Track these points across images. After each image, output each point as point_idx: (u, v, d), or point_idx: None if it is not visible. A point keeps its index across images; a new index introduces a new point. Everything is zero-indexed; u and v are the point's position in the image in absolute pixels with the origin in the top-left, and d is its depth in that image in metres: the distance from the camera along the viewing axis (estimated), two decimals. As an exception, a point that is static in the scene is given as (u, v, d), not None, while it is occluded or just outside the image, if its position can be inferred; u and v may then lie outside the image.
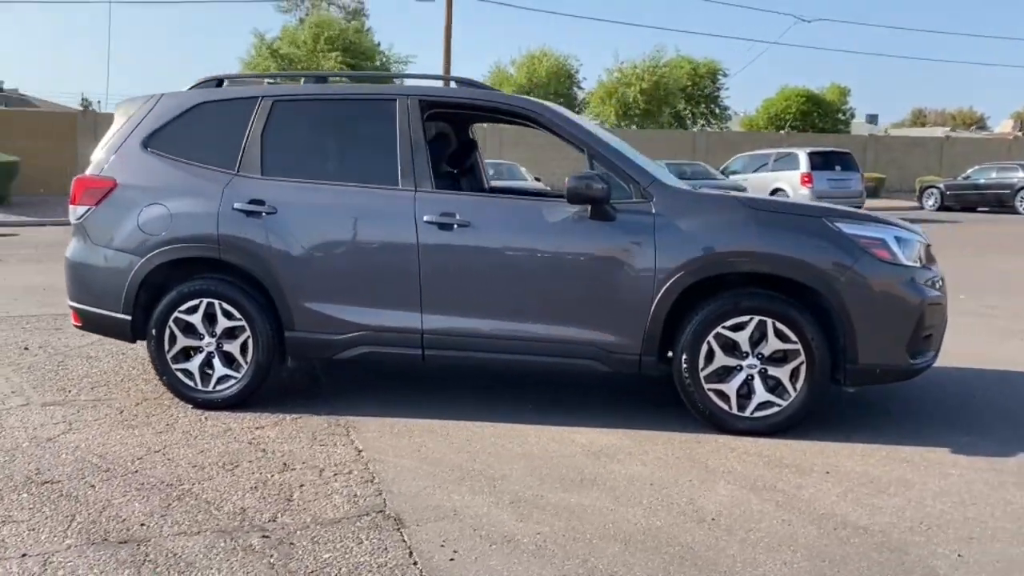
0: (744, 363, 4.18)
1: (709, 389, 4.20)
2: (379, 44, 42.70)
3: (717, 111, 44.26)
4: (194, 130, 4.68)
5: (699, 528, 3.15)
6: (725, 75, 43.23)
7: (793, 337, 4.12)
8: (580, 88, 41.81)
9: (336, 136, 4.67)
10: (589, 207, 4.21)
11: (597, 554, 2.93)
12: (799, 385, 4.15)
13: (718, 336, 4.16)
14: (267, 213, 4.44)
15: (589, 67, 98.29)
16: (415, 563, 2.84)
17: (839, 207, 4.64)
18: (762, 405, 4.20)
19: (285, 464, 3.75)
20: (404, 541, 2.99)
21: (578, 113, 41.39)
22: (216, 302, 4.48)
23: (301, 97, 4.69)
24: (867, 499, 3.44)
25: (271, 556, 2.87)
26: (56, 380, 5.09)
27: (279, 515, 3.21)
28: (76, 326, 4.83)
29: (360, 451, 3.94)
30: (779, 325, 4.12)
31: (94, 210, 4.64)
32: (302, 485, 3.50)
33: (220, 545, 2.95)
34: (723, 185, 18.30)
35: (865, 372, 4.17)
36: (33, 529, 3.06)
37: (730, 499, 3.43)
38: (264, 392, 4.64)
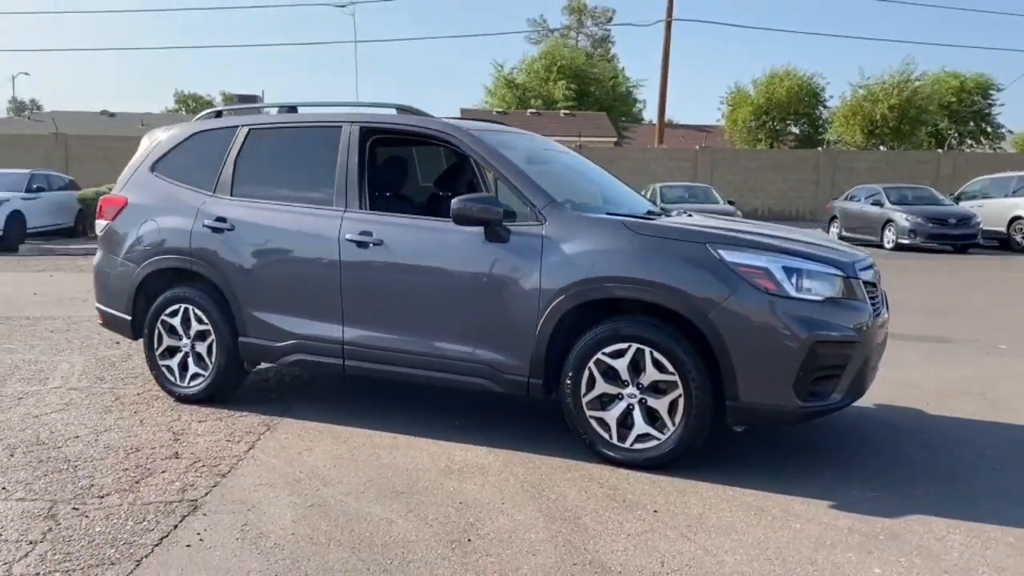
0: (625, 392, 4.04)
1: (591, 416, 4.10)
2: (623, 69, 43.60)
3: (988, 130, 40.15)
4: (188, 156, 5.32)
5: (446, 547, 3.16)
6: (998, 90, 39.13)
7: (671, 368, 3.92)
8: (825, 107, 39.70)
9: (291, 160, 5.08)
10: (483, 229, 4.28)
11: (318, 556, 3.06)
12: (677, 419, 3.94)
13: (599, 362, 4.05)
14: (227, 230, 4.95)
15: (835, 85, 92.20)
16: (156, 542, 3.14)
17: (742, 230, 4.31)
18: (641, 437, 4.03)
19: (176, 454, 4.20)
20: (173, 525, 3.30)
21: (820, 133, 40.07)
22: (191, 308, 5.07)
23: (268, 126, 5.17)
24: (664, 543, 3.23)
25: (58, 523, 3.31)
26: (107, 370, 5.96)
27: (112, 493, 3.64)
28: (100, 324, 5.65)
29: (250, 449, 4.30)
30: (656, 355, 3.94)
31: (111, 224, 5.41)
32: (163, 472, 3.93)
33: (38, 510, 3.43)
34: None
35: (748, 411, 3.87)
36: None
37: (513, 524, 3.38)
38: (245, 390, 5.28)
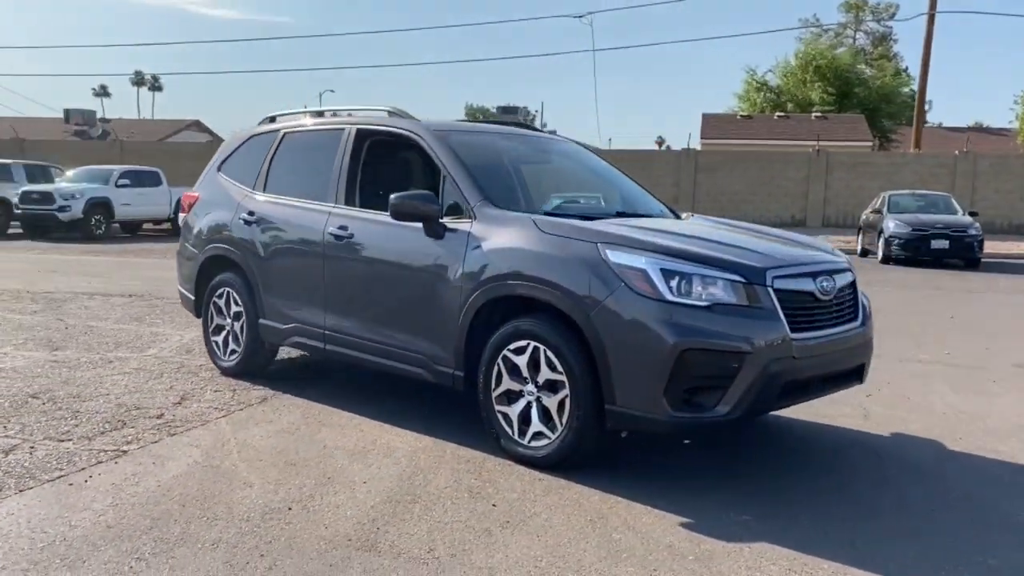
0: (525, 389, 4.06)
1: (498, 411, 4.16)
2: (906, 68, 40.82)
3: None
4: (244, 157, 5.99)
5: (261, 513, 3.44)
6: None
7: (560, 367, 3.88)
8: None
9: (306, 160, 5.55)
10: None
11: (156, 505, 3.47)
12: (564, 419, 3.89)
13: (505, 359, 4.10)
14: (254, 223, 5.55)
15: None
16: (51, 479, 3.74)
17: (636, 229, 4.14)
18: (537, 435, 4.03)
19: (160, 415, 4.83)
20: (80, 469, 3.90)
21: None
22: (231, 291, 5.74)
23: (297, 129, 5.69)
24: (470, 535, 3.27)
25: (6, 455, 4.01)
26: (201, 345, 6.84)
27: (70, 440, 4.32)
28: (181, 303, 6.51)
29: (224, 416, 4.86)
30: (549, 354, 3.92)
31: (186, 216, 6.24)
32: (131, 427, 4.57)
33: (4, 444, 4.17)
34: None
35: (623, 416, 3.74)
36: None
37: (345, 499, 3.58)
38: (286, 367, 6.06)
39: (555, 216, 4.39)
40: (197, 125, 52.04)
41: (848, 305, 4.21)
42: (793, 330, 3.77)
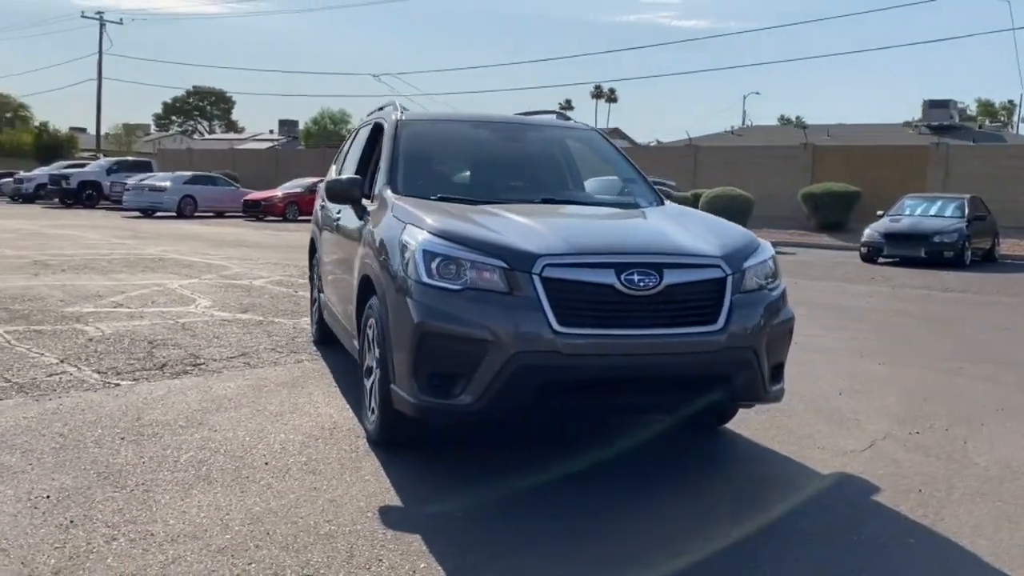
0: (373, 365, 4.31)
1: (364, 384, 4.45)
2: None
3: None
4: (350, 146, 6.71)
5: (97, 442, 4.27)
6: None
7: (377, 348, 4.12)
8: None
9: (361, 149, 6.12)
10: None
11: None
12: (378, 397, 4.10)
13: (365, 336, 4.42)
14: (323, 207, 6.40)
15: None
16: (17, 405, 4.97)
17: (461, 212, 4.18)
18: (372, 411, 4.29)
19: (163, 365, 5.95)
20: (34, 400, 5.09)
21: None
22: (316, 267, 6.71)
23: (370, 120, 6.28)
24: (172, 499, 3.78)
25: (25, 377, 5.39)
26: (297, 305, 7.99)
27: (73, 371, 5.60)
28: (310, 277, 7.67)
29: (215, 374, 5.82)
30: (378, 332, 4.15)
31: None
32: (131, 371, 5.73)
33: (45, 362, 5.57)
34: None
35: (397, 398, 3.84)
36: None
37: (169, 444, 4.27)
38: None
39: (430, 199, 4.51)
40: (616, 132, 55.17)
41: (691, 305, 3.75)
42: (565, 323, 3.54)
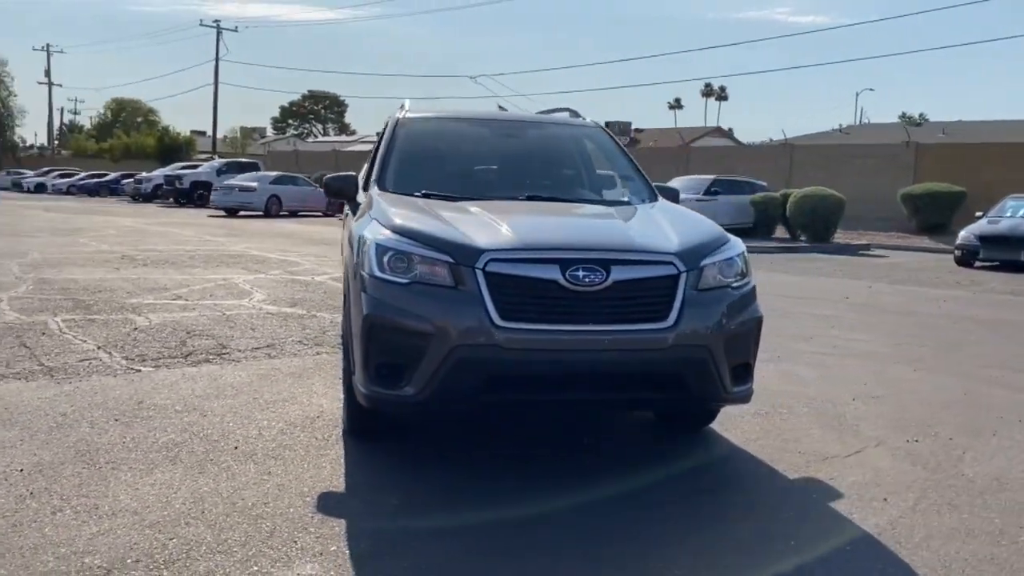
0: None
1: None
2: None
3: None
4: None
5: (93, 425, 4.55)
6: None
7: None
8: None
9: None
10: None
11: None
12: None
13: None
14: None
15: None
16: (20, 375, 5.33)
17: (426, 207, 4.25)
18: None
19: (189, 353, 6.24)
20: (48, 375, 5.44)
21: None
22: None
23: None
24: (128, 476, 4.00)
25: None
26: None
27: (101, 356, 5.94)
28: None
29: (234, 363, 6.06)
30: None
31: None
32: (155, 358, 6.05)
33: (85, 348, 5.94)
34: None
35: (356, 388, 3.95)
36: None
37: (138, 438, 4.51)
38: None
39: (414, 196, 4.61)
40: (718, 131, 54.22)
41: (640, 302, 3.72)
42: (507, 318, 3.58)
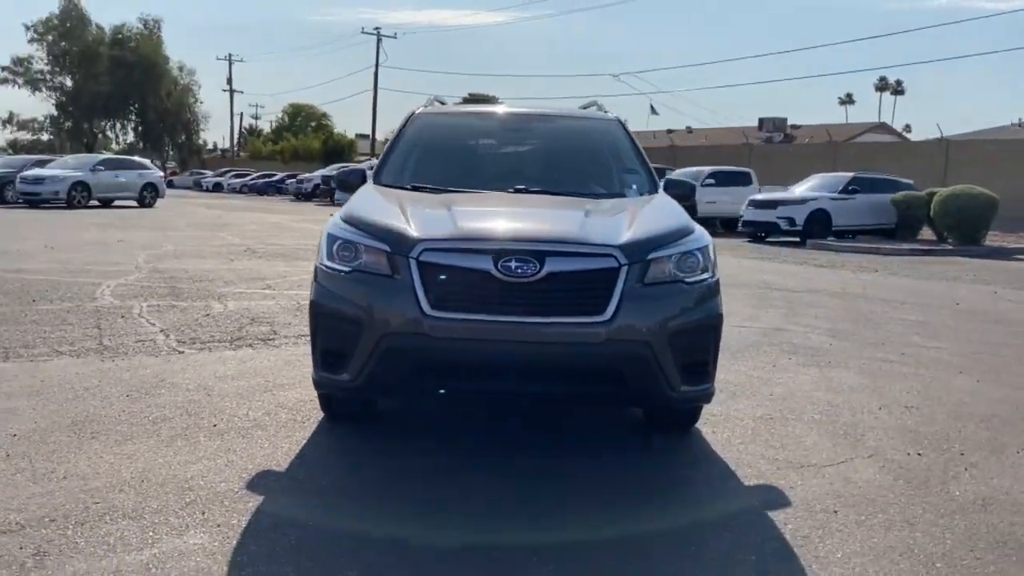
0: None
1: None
2: None
3: None
4: None
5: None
6: None
7: None
8: None
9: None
10: None
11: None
12: None
13: None
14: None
15: None
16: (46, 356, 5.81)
17: (393, 199, 4.31)
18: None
19: (193, 340, 6.58)
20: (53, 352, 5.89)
21: None
22: None
23: None
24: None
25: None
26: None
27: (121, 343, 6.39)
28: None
29: (236, 350, 6.36)
30: None
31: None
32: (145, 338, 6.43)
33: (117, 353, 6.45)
34: None
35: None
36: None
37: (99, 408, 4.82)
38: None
39: (404, 188, 4.73)
40: (883, 127, 51.36)
41: (576, 295, 3.66)
42: (437, 307, 3.62)
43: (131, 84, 66.22)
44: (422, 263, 3.68)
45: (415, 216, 3.97)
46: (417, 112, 5.56)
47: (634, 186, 5.01)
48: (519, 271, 3.62)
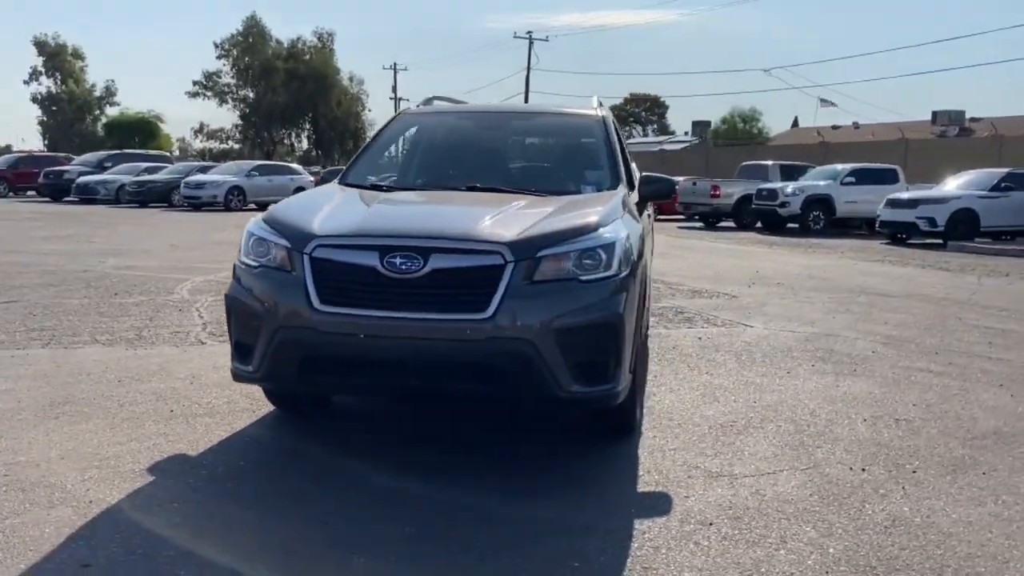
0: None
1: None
2: None
3: None
4: None
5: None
6: None
7: None
8: None
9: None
10: None
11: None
12: None
13: None
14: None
15: None
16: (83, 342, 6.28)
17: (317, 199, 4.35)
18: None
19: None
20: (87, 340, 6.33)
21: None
22: None
23: None
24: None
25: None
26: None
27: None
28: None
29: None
30: None
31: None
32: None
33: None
34: None
35: None
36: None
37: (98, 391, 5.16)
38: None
39: (363, 188, 4.84)
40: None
41: (459, 291, 3.65)
42: (326, 302, 3.71)
43: (304, 95, 70.33)
44: (314, 259, 3.78)
45: (329, 214, 4.08)
46: (402, 112, 5.69)
47: (592, 183, 4.89)
48: (403, 267, 3.65)
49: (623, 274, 3.87)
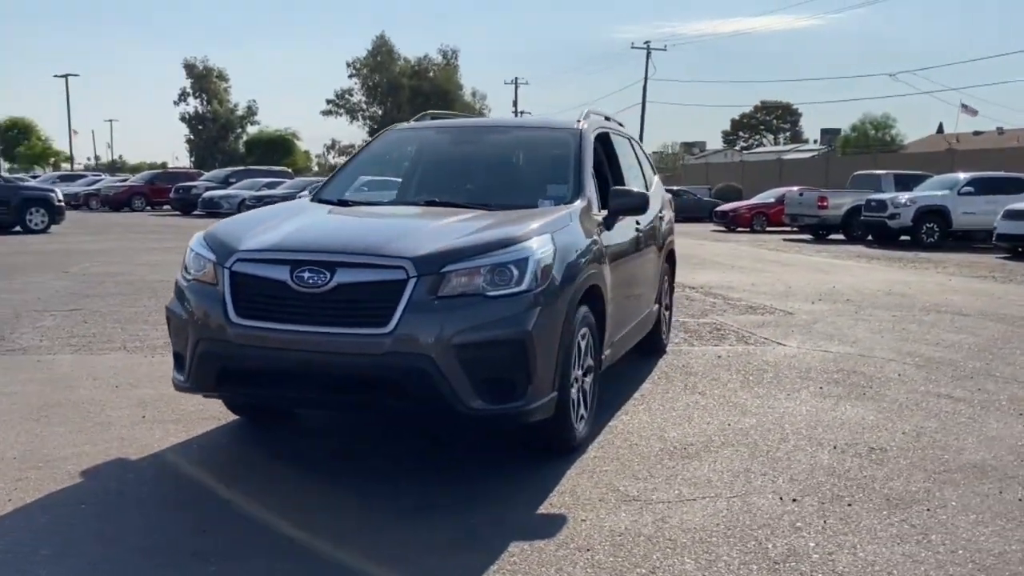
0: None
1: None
2: None
3: None
4: None
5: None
6: None
7: None
8: None
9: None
10: None
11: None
12: None
13: None
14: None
15: None
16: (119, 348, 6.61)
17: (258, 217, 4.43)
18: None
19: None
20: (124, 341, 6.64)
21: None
22: None
23: None
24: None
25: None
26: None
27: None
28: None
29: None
30: None
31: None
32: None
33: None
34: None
35: None
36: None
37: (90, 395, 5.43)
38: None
39: (331, 203, 4.97)
40: None
41: (362, 306, 3.70)
42: (241, 315, 3.83)
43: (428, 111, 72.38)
44: (233, 273, 3.91)
45: (264, 230, 4.20)
46: (392, 128, 5.79)
47: (552, 196, 4.81)
48: (311, 281, 3.73)
49: (537, 290, 3.80)
